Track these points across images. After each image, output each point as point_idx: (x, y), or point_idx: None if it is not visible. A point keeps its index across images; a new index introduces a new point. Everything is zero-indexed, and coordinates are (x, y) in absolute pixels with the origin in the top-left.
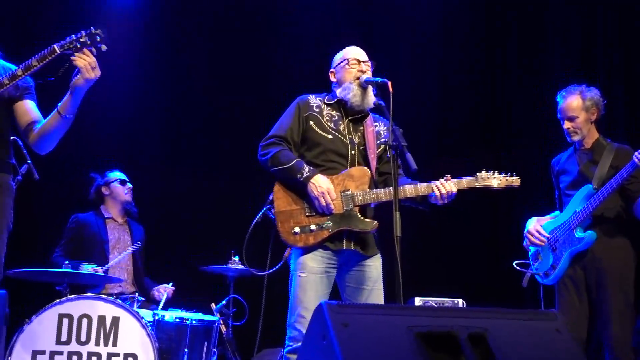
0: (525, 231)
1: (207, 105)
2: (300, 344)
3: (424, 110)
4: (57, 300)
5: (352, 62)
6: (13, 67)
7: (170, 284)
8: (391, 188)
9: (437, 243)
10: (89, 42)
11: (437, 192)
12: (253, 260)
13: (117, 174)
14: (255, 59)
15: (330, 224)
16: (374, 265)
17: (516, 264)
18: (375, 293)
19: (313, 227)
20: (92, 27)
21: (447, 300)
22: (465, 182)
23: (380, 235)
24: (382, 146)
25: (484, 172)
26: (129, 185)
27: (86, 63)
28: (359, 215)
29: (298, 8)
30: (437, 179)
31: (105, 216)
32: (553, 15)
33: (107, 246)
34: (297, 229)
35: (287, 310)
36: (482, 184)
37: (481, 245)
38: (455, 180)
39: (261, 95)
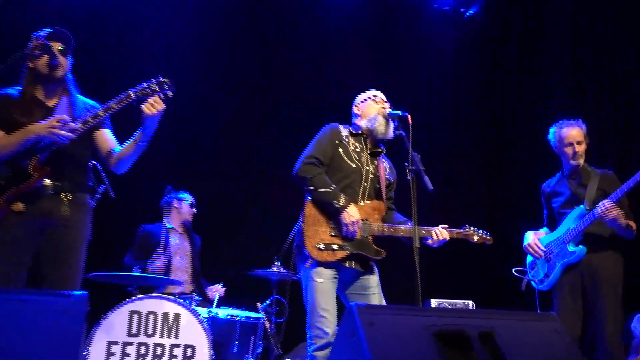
0: (525, 244)
1: (255, 122)
2: (324, 341)
3: (437, 136)
4: (128, 299)
5: (378, 99)
6: (88, 100)
7: (221, 284)
8: (399, 226)
9: (449, 250)
10: (158, 89)
11: (434, 237)
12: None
13: (186, 196)
14: (301, 85)
15: (349, 246)
16: (373, 278)
17: (515, 271)
18: (377, 297)
19: (335, 246)
20: (160, 76)
21: (459, 302)
22: (455, 233)
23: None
24: (387, 182)
25: (469, 227)
26: (194, 209)
27: (154, 104)
28: (372, 243)
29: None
30: (447, 205)
31: (169, 226)
32: (550, 54)
33: (170, 252)
34: (321, 245)
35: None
36: (466, 237)
37: (488, 253)
38: (448, 230)
39: (304, 111)
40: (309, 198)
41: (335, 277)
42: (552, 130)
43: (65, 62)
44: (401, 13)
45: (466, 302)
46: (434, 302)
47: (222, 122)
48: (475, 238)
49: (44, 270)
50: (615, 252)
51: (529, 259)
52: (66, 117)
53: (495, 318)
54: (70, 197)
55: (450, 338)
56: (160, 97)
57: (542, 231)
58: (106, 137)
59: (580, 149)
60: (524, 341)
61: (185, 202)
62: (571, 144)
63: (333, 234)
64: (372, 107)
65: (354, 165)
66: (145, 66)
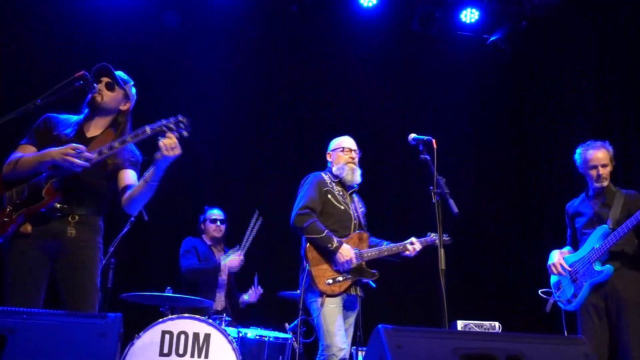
0: (550, 263)
1: (282, 139)
2: (343, 352)
3: (461, 160)
4: (160, 320)
5: (346, 150)
6: (134, 147)
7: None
8: (389, 246)
9: (474, 272)
10: (174, 128)
11: (410, 249)
12: None
13: (213, 212)
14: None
15: (350, 276)
16: (353, 317)
17: (541, 292)
18: (352, 325)
19: (340, 278)
20: (179, 115)
21: (485, 324)
22: (423, 241)
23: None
24: (363, 215)
25: (431, 234)
26: (218, 223)
27: (167, 145)
28: (366, 267)
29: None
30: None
31: (209, 244)
32: (573, 75)
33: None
34: (330, 281)
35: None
36: (434, 244)
37: (513, 274)
38: (419, 240)
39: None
40: (307, 244)
41: (342, 303)
42: (578, 151)
43: (108, 95)
44: (426, 40)
45: (492, 323)
46: (460, 324)
47: (257, 142)
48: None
49: (60, 292)
50: (638, 272)
51: (554, 279)
52: (81, 147)
53: (524, 341)
54: (77, 219)
55: None
56: (175, 136)
57: (566, 250)
58: (126, 176)
59: (605, 171)
60: None
61: (207, 221)
62: (595, 167)
63: (334, 268)
64: (340, 158)
65: (342, 207)
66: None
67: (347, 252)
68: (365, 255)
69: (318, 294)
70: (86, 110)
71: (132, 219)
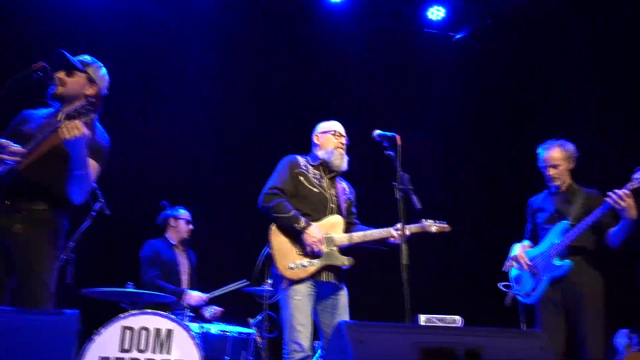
0: (512, 255)
1: (253, 137)
2: (301, 355)
3: (427, 157)
4: (121, 315)
5: (337, 134)
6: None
7: (216, 306)
8: (359, 232)
9: (438, 267)
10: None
11: (395, 235)
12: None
13: (185, 213)
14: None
15: (317, 261)
16: (343, 295)
17: (501, 286)
18: (344, 316)
19: (305, 263)
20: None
21: (447, 318)
22: (414, 227)
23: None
24: (348, 201)
25: (424, 220)
26: (191, 226)
27: (64, 129)
28: (337, 253)
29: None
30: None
31: (172, 243)
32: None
33: (179, 268)
34: (292, 265)
35: (284, 329)
36: (425, 230)
37: (477, 268)
38: (406, 226)
39: (300, 131)
40: (273, 226)
41: (312, 294)
42: (538, 150)
43: (69, 81)
44: (393, 37)
45: (454, 317)
46: (422, 318)
47: (217, 138)
48: (434, 229)
49: (15, 288)
50: (595, 268)
51: (514, 273)
52: (7, 142)
53: (482, 335)
54: (26, 214)
55: (438, 355)
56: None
57: (527, 244)
58: None
59: (554, 172)
60: (511, 359)
61: (181, 219)
62: (547, 167)
63: (300, 253)
64: (330, 141)
65: (316, 191)
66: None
67: (314, 233)
68: (337, 240)
69: (281, 280)
70: (54, 102)
71: (93, 213)
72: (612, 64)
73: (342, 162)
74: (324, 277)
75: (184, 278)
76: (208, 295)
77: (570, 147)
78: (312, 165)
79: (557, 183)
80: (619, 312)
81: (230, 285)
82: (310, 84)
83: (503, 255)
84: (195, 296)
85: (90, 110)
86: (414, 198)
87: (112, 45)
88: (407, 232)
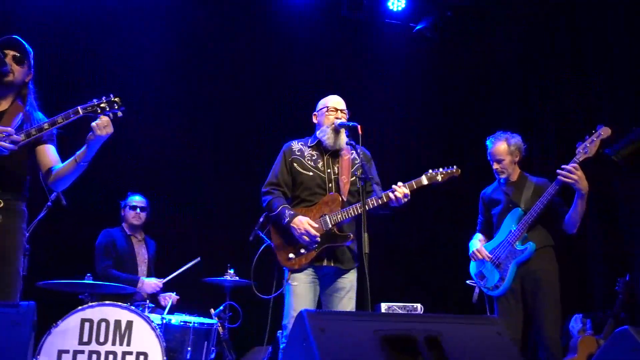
0: (472, 251)
1: (212, 126)
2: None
3: (387, 147)
4: (80, 307)
5: (331, 109)
6: (41, 115)
7: (174, 293)
8: (356, 205)
9: (400, 255)
10: (107, 108)
11: (393, 197)
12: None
13: (134, 199)
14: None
15: (315, 246)
16: (349, 279)
17: (468, 283)
18: (345, 301)
19: (303, 250)
20: (111, 95)
21: (408, 306)
22: (415, 183)
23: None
24: (360, 169)
25: (430, 170)
26: (138, 211)
27: (100, 124)
28: (337, 232)
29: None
30: None
31: (128, 232)
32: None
33: (135, 258)
34: (291, 255)
35: (282, 314)
36: (427, 182)
37: (437, 257)
38: (406, 183)
39: (258, 122)
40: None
41: (314, 281)
42: (486, 142)
43: (18, 70)
44: (354, 26)
45: (415, 305)
46: (384, 306)
47: (177, 126)
48: (440, 178)
49: None
50: (550, 254)
51: (474, 270)
52: (9, 129)
53: (442, 322)
54: (2, 204)
55: (398, 342)
56: (109, 117)
57: (481, 237)
58: (48, 152)
59: (499, 166)
60: (469, 344)
61: (126, 207)
62: (492, 161)
63: (296, 243)
64: (325, 118)
65: (310, 174)
66: (113, 78)
67: (299, 223)
68: (334, 218)
69: (285, 272)
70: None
71: (49, 203)
72: (573, 52)
73: (335, 140)
74: (326, 261)
75: (142, 268)
76: (163, 280)
77: (516, 139)
78: (309, 147)
79: (504, 176)
80: (573, 298)
81: (183, 267)
82: (270, 75)
83: (460, 244)
84: (150, 283)
85: (105, 109)
86: (375, 186)
87: (68, 35)
88: (407, 191)
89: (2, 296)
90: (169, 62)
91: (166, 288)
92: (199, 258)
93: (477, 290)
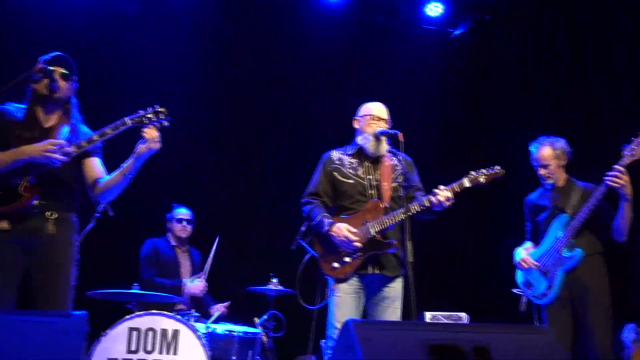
0: (518, 260)
1: (252, 134)
2: None
3: (425, 154)
4: (128, 316)
5: (375, 118)
6: (86, 128)
7: (227, 303)
8: (399, 211)
9: (442, 262)
10: (154, 119)
11: (435, 201)
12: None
13: (179, 211)
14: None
15: (360, 253)
16: (394, 287)
17: (515, 291)
18: (391, 310)
19: (347, 259)
20: (156, 105)
21: (453, 315)
22: (457, 185)
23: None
24: (400, 176)
25: (472, 172)
26: (184, 223)
27: (152, 137)
28: (380, 239)
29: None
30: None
31: (173, 243)
32: (536, 71)
33: (180, 268)
34: (335, 265)
35: (326, 323)
36: (469, 184)
37: (479, 265)
38: (448, 186)
39: (297, 133)
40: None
41: (359, 291)
42: (530, 148)
43: (65, 86)
44: (391, 34)
45: (460, 314)
46: (428, 315)
47: (225, 138)
48: (482, 179)
49: (34, 290)
50: (599, 260)
51: (521, 279)
52: (62, 142)
53: (490, 332)
54: (56, 216)
55: (445, 352)
56: (155, 126)
57: (529, 245)
58: (94, 165)
59: (545, 171)
60: (519, 355)
61: (174, 219)
62: (537, 166)
63: (340, 250)
64: (367, 125)
65: (351, 181)
66: (142, 89)
67: (337, 230)
68: (376, 226)
69: (329, 282)
70: (36, 100)
71: (97, 214)
72: (614, 60)
73: (377, 148)
74: (371, 269)
75: (186, 278)
76: (203, 275)
77: (560, 143)
78: (348, 155)
79: (550, 181)
80: (625, 306)
81: (210, 254)
82: (307, 84)
83: (504, 251)
84: (195, 285)
85: (153, 120)
86: (418, 194)
87: (97, 45)
88: (449, 194)
89: (56, 305)
90: (198, 70)
91: (216, 296)
92: (217, 238)
93: (524, 298)
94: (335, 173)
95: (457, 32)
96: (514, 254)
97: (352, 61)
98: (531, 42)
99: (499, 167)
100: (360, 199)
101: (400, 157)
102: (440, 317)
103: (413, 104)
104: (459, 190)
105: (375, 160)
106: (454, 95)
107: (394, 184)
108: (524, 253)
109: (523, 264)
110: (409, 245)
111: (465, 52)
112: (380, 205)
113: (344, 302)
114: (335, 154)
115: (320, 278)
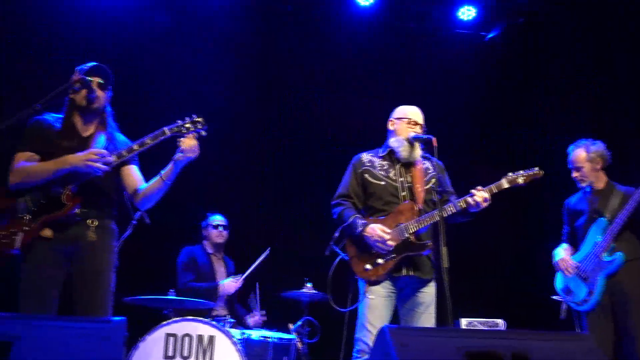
0: (557, 260)
1: (285, 144)
2: (367, 356)
3: (458, 160)
4: (164, 322)
5: (412, 122)
6: (122, 136)
7: (264, 311)
8: (433, 212)
9: (477, 267)
10: (192, 128)
11: (472, 202)
12: (325, 289)
13: (214, 218)
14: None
15: (393, 255)
16: (428, 292)
17: (554, 297)
18: (425, 316)
19: (380, 260)
20: (194, 115)
21: (489, 321)
22: (495, 186)
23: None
24: (433, 179)
25: (510, 173)
26: (220, 229)
27: (190, 146)
28: (414, 241)
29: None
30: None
31: (209, 251)
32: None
33: (216, 276)
34: (368, 266)
35: (355, 327)
36: (507, 185)
37: (518, 270)
38: (485, 187)
39: (326, 140)
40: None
41: (391, 295)
42: (567, 150)
43: (102, 95)
44: (423, 38)
45: (496, 321)
46: (463, 322)
47: (253, 144)
48: (521, 180)
49: (75, 296)
50: (639, 265)
51: (560, 285)
52: (104, 151)
53: (529, 338)
54: (97, 223)
55: (483, 359)
56: (193, 136)
57: (566, 246)
58: (133, 173)
59: (578, 174)
60: None
61: (208, 226)
62: (571, 169)
63: (372, 252)
64: (403, 129)
65: (382, 183)
66: (176, 99)
67: (371, 231)
68: (410, 227)
69: (362, 284)
70: (75, 110)
71: (134, 221)
72: None
73: (411, 153)
74: (405, 271)
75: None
76: (241, 277)
77: (596, 147)
78: (379, 157)
79: (584, 184)
80: None
81: (256, 261)
82: (338, 90)
83: (542, 256)
84: (229, 284)
85: (191, 130)
86: (452, 198)
87: (121, 46)
88: (487, 195)
89: (96, 311)
90: (230, 78)
91: (245, 303)
92: (268, 249)
93: (564, 305)
94: (366, 175)
95: (491, 35)
96: (552, 255)
97: (384, 65)
98: (567, 44)
99: (537, 168)
100: (391, 201)
101: (433, 162)
102: (476, 323)
103: (446, 108)
104: (496, 191)
105: (407, 163)
106: (488, 99)
107: (427, 187)
108: (563, 253)
109: (562, 263)
110: (444, 250)
111: (499, 56)
112: (414, 207)
113: (376, 305)
114: (365, 156)
115: (352, 280)
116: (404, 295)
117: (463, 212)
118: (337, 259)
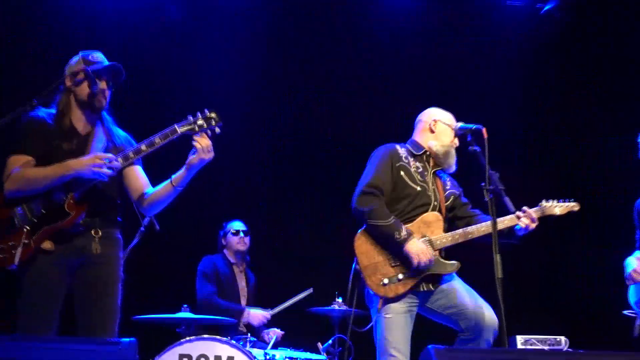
0: (629, 270)
1: (310, 151)
2: None
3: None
4: (177, 342)
5: (456, 130)
6: (121, 131)
7: (279, 328)
8: (465, 229)
9: (534, 278)
10: (205, 125)
11: (522, 223)
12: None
13: (234, 224)
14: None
15: (415, 272)
16: (453, 282)
17: (626, 313)
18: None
19: (400, 276)
20: (206, 110)
21: (549, 339)
22: (533, 212)
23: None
24: (451, 197)
25: (544, 201)
26: (241, 235)
27: (204, 146)
28: (440, 259)
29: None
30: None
31: (231, 261)
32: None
33: (237, 289)
34: (385, 280)
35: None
36: (545, 212)
37: (583, 281)
38: (534, 208)
39: (367, 130)
40: (360, 235)
41: (411, 309)
42: (638, 139)
43: (107, 95)
44: (470, 10)
45: (558, 338)
46: (520, 339)
47: (279, 152)
48: (558, 210)
49: (78, 312)
50: None
51: (633, 297)
52: (110, 155)
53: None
54: (101, 233)
55: None
56: (207, 134)
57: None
58: (138, 175)
59: None
60: None
61: (229, 233)
62: None
63: (393, 264)
64: (448, 136)
65: (418, 188)
66: (192, 98)
67: (416, 248)
68: (437, 243)
69: (376, 300)
70: (73, 105)
71: (142, 228)
72: None
73: (454, 163)
74: (423, 287)
75: (243, 301)
76: (271, 311)
77: None
78: (414, 156)
79: None
80: None
81: (294, 297)
82: (378, 69)
83: (612, 267)
84: (257, 314)
85: (204, 127)
86: (507, 200)
87: (131, 42)
88: (534, 215)
89: (102, 330)
90: (246, 75)
91: (270, 321)
92: (311, 289)
93: (638, 321)
94: (402, 172)
95: (547, 7)
96: (624, 265)
97: (430, 45)
98: (630, 17)
99: (574, 201)
100: (421, 207)
101: (447, 177)
102: (534, 341)
103: (497, 94)
104: (535, 216)
105: (434, 172)
106: (542, 80)
107: (447, 204)
108: (636, 263)
109: (635, 275)
110: (497, 258)
111: (557, 31)
112: (442, 220)
113: (397, 323)
114: (400, 150)
115: (365, 293)
116: (429, 303)
117: (508, 232)
118: (353, 268)
